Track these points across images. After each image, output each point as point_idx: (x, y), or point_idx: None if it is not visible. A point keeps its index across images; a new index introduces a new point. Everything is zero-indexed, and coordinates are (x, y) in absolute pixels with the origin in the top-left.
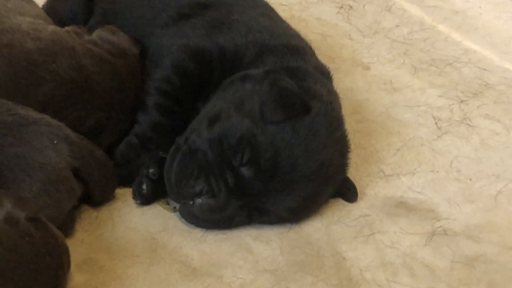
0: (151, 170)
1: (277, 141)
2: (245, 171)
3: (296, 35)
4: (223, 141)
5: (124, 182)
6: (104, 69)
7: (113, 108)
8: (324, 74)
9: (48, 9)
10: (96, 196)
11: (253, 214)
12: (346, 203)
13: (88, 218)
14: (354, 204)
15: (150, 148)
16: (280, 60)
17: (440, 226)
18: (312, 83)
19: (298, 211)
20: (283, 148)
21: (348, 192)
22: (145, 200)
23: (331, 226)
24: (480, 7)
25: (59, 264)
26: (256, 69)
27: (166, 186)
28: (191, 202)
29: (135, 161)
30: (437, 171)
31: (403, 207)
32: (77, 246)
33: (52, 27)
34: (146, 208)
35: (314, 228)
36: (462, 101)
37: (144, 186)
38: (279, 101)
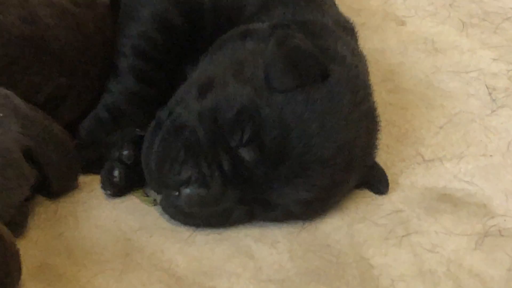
0: (125, 153)
1: (286, 115)
2: (246, 154)
3: None
4: (217, 115)
5: (90, 167)
6: (65, 23)
7: (76, 73)
8: (347, 31)
9: None
10: (54, 185)
11: (255, 208)
12: (374, 195)
13: (44, 213)
14: (384, 196)
15: (123, 124)
16: (290, 12)
17: (494, 225)
18: (332, 41)
19: (312, 205)
20: (293, 124)
21: (377, 182)
22: (117, 190)
23: (355, 224)
24: None
25: (6, 272)
26: (260, 23)
27: (144, 172)
28: (177, 193)
29: (105, 141)
30: (491, 155)
31: (447, 201)
32: (30, 249)
33: None
34: (118, 200)
35: (333, 227)
36: None
37: (116, 173)
38: (289, 64)
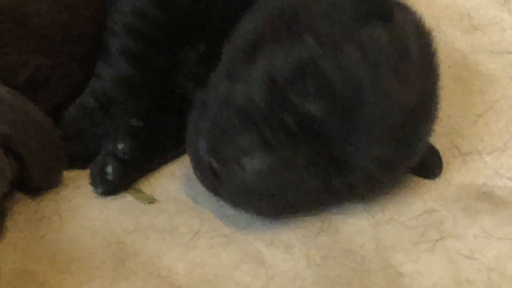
0: (120, 146)
1: (353, 60)
2: (313, 107)
3: None
4: (273, 76)
5: (76, 161)
6: None
7: (60, 52)
8: None
9: None
10: (35, 179)
11: (331, 172)
12: (402, 194)
13: (24, 212)
14: (415, 194)
15: (113, 114)
16: None
17: None
18: None
19: (393, 165)
20: (363, 69)
21: (431, 162)
22: (110, 188)
23: (381, 226)
24: None
25: None
26: None
27: (141, 166)
28: (238, 167)
29: (92, 132)
30: None
31: (487, 200)
32: (8, 253)
33: None
34: (109, 198)
35: (356, 230)
36: None
37: (110, 169)
38: None
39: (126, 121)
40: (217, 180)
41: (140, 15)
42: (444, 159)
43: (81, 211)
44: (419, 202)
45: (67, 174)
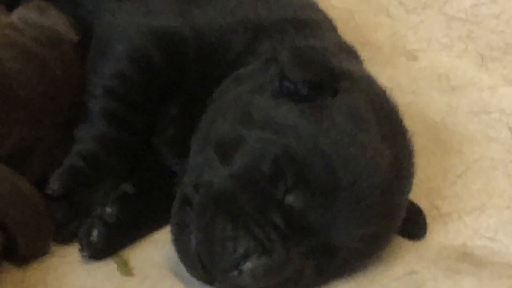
0: (108, 210)
1: (321, 145)
2: (294, 200)
3: (308, 5)
4: (252, 174)
5: (64, 229)
6: (29, 66)
7: (43, 123)
8: (350, 54)
9: None
10: (22, 250)
11: (322, 259)
12: (383, 256)
13: (10, 282)
14: (396, 257)
15: (102, 175)
16: (279, 42)
17: None
18: (336, 61)
19: (379, 237)
20: (332, 153)
21: (413, 223)
22: (95, 252)
23: None
24: None
25: None
26: (247, 65)
27: (129, 232)
28: (236, 273)
29: (81, 196)
30: None
31: (467, 261)
32: None
33: None
34: (94, 265)
35: None
36: None
37: (96, 232)
38: (300, 58)
39: (117, 185)
40: (209, 277)
41: (120, 78)
42: None
43: (66, 279)
44: (400, 264)
45: (53, 243)
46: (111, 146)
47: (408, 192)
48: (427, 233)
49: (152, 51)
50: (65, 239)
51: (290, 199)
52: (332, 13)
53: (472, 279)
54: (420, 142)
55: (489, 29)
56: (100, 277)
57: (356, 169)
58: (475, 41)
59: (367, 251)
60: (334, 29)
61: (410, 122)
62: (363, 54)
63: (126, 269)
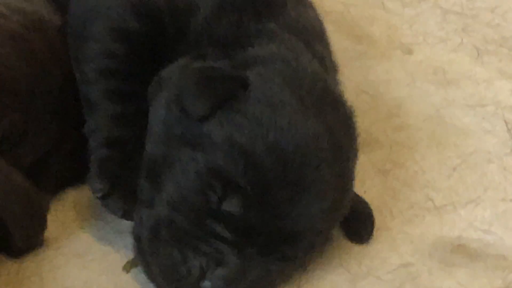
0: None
1: (242, 145)
2: (230, 206)
3: None
4: (181, 193)
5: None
6: (15, 49)
7: (32, 106)
8: (273, 34)
9: None
10: (16, 242)
11: (284, 250)
12: (379, 248)
13: (5, 274)
14: (391, 249)
15: (129, 152)
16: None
17: None
18: (247, 51)
19: (329, 210)
20: (254, 151)
21: (360, 222)
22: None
23: (358, 281)
24: None
25: None
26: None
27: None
28: None
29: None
30: (511, 200)
31: (462, 253)
32: None
33: None
34: (88, 258)
35: (334, 285)
36: None
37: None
38: (197, 85)
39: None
40: None
41: (107, 55)
42: (420, 212)
43: (61, 271)
44: (395, 256)
45: (48, 235)
46: (123, 121)
47: (351, 162)
48: (422, 225)
49: (131, 22)
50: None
51: (226, 206)
52: (327, 7)
53: (467, 271)
54: (415, 135)
55: (484, 23)
56: (95, 269)
57: (282, 153)
58: (471, 34)
59: (323, 226)
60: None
61: (405, 115)
62: (359, 47)
63: (130, 266)
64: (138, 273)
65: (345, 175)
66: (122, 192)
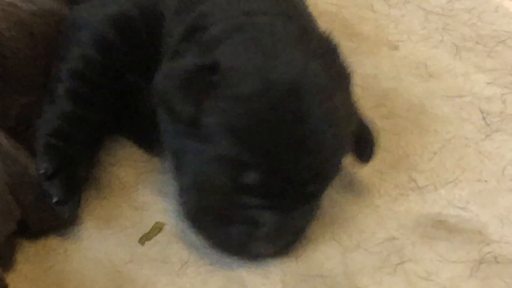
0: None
1: (232, 125)
2: (248, 180)
3: None
4: (204, 180)
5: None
6: (24, 35)
7: (42, 88)
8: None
9: None
10: (33, 226)
11: (307, 195)
12: (367, 224)
13: (33, 246)
14: (378, 224)
15: (75, 147)
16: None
17: (490, 252)
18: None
19: (339, 143)
20: (246, 127)
21: (363, 144)
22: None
23: (348, 253)
24: None
25: None
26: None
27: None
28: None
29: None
30: (486, 181)
31: (441, 228)
32: (20, 283)
33: None
34: (108, 231)
35: (327, 257)
36: None
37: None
38: (179, 93)
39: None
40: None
41: (84, 60)
42: (404, 192)
43: (83, 243)
44: (382, 231)
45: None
46: (77, 123)
47: (346, 88)
48: (406, 203)
49: (111, 34)
50: (69, 218)
51: (244, 181)
52: (321, 8)
53: (446, 244)
54: (400, 123)
55: (462, 22)
56: (114, 242)
57: (275, 109)
58: (450, 33)
59: (336, 154)
60: None
61: (391, 105)
62: (350, 44)
63: (148, 236)
64: (152, 245)
65: (346, 102)
66: (64, 180)
